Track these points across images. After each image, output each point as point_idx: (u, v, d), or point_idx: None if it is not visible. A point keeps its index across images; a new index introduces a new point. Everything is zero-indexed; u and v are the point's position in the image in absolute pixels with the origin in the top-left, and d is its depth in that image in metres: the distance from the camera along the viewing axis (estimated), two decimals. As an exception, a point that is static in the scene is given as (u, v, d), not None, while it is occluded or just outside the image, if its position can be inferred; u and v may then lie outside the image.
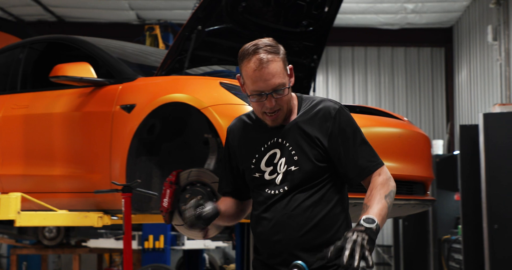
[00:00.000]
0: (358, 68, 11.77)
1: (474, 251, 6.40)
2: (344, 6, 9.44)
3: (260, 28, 4.33)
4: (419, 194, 4.01)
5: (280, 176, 2.32)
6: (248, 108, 3.49)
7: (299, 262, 2.01)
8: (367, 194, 2.24)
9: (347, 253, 1.94)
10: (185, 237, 7.49)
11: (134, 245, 8.37)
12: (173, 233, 7.38)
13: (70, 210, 4.12)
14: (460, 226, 7.01)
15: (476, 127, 6.34)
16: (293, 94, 2.40)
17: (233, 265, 8.94)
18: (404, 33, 11.45)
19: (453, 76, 11.49)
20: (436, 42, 11.69)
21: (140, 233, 7.46)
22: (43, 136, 4.39)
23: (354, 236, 2.00)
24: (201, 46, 4.19)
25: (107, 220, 4.14)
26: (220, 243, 8.34)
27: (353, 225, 2.16)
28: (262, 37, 3.53)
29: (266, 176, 2.35)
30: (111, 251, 9.07)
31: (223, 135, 3.43)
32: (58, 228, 7.37)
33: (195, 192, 3.59)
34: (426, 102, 11.70)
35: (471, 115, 10.35)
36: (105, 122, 4.02)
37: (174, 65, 4.14)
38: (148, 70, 4.47)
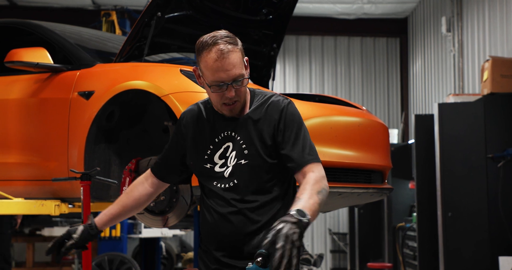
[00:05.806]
0: (315, 57, 11.82)
1: (428, 238, 6.53)
2: (302, -5, 9.47)
3: (219, 15, 4.30)
4: (377, 183, 4.06)
5: (229, 169, 2.34)
6: (209, 96, 3.47)
7: (264, 251, 2.00)
8: (300, 188, 2.22)
9: (278, 254, 1.91)
10: (142, 226, 7.44)
11: (90, 233, 8.25)
12: (130, 221, 7.32)
13: (26, 198, 4.05)
14: (414, 214, 7.13)
15: (431, 116, 6.44)
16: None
17: (190, 253, 8.92)
18: (360, 23, 11.54)
19: (407, 67, 11.64)
20: (392, 32, 11.82)
21: (96, 221, 7.37)
22: (-3, 123, 4.28)
23: (286, 230, 1.94)
24: (161, 33, 4.15)
25: (64, 208, 4.08)
26: (177, 232, 8.31)
27: None
28: (222, 24, 3.52)
29: (217, 168, 2.36)
30: (65, 240, 8.92)
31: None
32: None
33: (155, 180, 3.56)
34: (381, 92, 11.84)
35: (425, 105, 10.52)
36: (63, 109, 3.95)
37: (133, 52, 4.09)
38: (106, 57, 4.39)
